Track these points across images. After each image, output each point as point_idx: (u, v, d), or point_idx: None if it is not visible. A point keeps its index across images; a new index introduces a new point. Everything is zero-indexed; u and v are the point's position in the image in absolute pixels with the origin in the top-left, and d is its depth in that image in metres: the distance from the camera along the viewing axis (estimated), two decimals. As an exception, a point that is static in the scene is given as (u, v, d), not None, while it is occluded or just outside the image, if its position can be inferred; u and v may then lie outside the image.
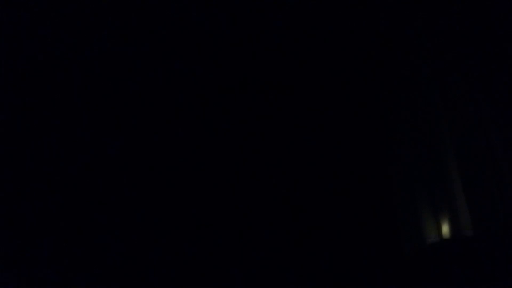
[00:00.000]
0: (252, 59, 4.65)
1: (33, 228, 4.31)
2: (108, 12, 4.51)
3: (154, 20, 4.56)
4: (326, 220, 4.58)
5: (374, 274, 4.45)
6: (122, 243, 4.37)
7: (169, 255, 4.39)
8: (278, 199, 4.57)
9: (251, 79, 4.66)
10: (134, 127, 4.54)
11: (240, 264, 4.42)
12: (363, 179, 4.69)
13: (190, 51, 4.63)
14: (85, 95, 4.51)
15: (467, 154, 4.59)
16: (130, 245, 4.39)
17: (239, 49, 4.65)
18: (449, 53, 4.51)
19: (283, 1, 4.60)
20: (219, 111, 4.62)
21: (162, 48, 4.60)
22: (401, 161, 4.76)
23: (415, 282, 4.37)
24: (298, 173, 4.62)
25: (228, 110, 4.63)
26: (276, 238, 4.50)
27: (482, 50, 4.37)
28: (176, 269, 4.38)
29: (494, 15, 4.25)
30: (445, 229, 4.68)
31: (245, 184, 4.56)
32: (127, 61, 4.56)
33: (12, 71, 4.47)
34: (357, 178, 4.68)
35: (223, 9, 4.58)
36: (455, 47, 4.47)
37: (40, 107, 4.46)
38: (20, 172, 4.37)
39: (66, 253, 4.31)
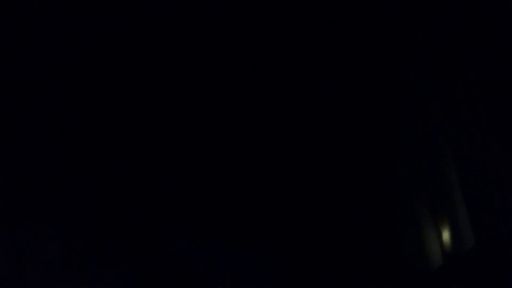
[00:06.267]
0: (253, 60, 4.69)
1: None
2: (108, 12, 4.55)
3: (154, 19, 4.60)
4: (322, 228, 4.59)
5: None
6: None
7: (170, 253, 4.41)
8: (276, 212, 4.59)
9: (251, 81, 4.69)
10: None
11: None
12: (363, 190, 4.71)
13: (190, 51, 4.67)
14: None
15: (468, 165, 4.59)
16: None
17: (239, 49, 4.68)
18: (450, 61, 4.53)
19: (284, 1, 4.63)
20: (226, 111, 4.65)
21: (162, 48, 4.63)
22: (402, 171, 4.78)
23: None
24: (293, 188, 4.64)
25: (232, 113, 4.66)
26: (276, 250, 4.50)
27: (482, 54, 4.38)
28: (176, 267, 4.39)
29: (494, 15, 4.26)
30: (446, 238, 4.68)
31: (238, 194, 4.60)
32: (127, 60, 4.59)
33: (12, 70, 4.51)
34: (356, 190, 4.71)
35: (223, 9, 4.62)
36: (455, 54, 4.49)
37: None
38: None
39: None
